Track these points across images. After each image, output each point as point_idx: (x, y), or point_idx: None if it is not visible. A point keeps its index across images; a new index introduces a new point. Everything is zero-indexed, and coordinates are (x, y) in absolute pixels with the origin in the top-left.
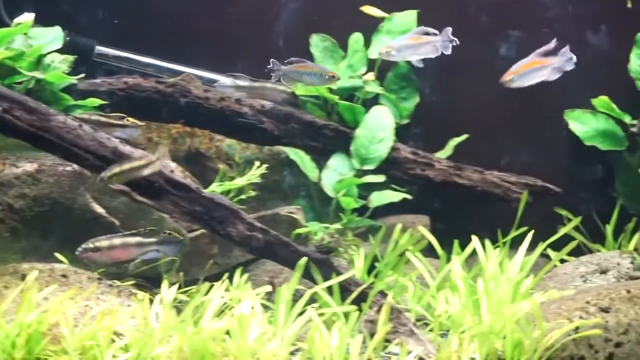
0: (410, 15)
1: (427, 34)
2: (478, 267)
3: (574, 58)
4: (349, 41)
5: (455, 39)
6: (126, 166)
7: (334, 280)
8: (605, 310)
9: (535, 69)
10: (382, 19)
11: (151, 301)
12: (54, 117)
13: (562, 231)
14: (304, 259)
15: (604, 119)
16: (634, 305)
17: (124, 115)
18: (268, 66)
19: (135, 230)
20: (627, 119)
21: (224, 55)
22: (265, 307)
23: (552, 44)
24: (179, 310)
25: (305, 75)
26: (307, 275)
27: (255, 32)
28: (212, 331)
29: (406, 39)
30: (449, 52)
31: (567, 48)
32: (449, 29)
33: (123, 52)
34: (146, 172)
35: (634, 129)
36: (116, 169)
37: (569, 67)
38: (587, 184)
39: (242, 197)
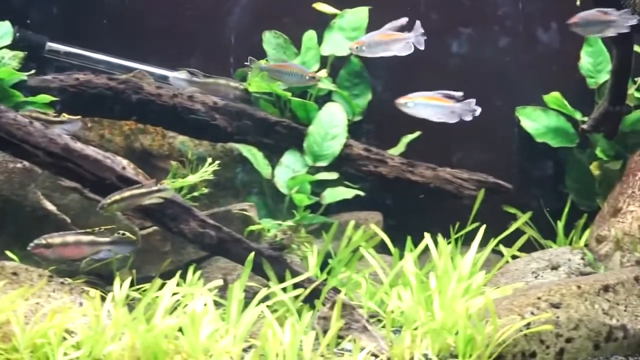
0: (362, 12)
1: (399, 26)
2: (431, 263)
3: (476, 112)
4: (302, 38)
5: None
6: (126, 194)
7: (291, 282)
8: (556, 306)
9: (434, 105)
10: (333, 16)
11: (103, 299)
12: (4, 114)
13: (512, 227)
14: (252, 254)
15: (555, 116)
16: (585, 301)
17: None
18: (246, 63)
19: (89, 228)
20: (578, 116)
21: (176, 51)
22: (219, 305)
23: (458, 94)
24: (131, 308)
25: (285, 75)
26: (260, 272)
27: (208, 28)
28: (165, 328)
29: (378, 35)
30: (422, 47)
31: (472, 101)
32: (418, 23)
33: (74, 49)
34: (146, 201)
35: (585, 126)
36: (116, 196)
37: (468, 116)
38: (539, 180)
39: (195, 194)
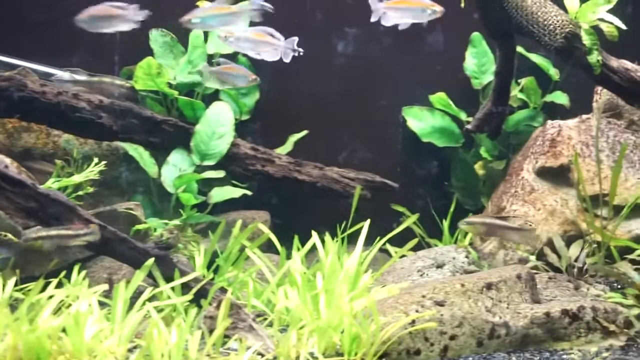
0: None
1: (272, 35)
2: (319, 263)
3: (298, 51)
4: (189, 37)
5: (300, 50)
6: (53, 232)
7: (179, 281)
8: (440, 303)
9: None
10: None
11: None
12: None
13: (400, 227)
14: (150, 260)
15: (440, 116)
16: (468, 299)
17: None
18: (198, 69)
19: None
20: (463, 116)
21: (60, 48)
22: (105, 305)
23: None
24: (14, 309)
25: (232, 77)
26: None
27: None
28: (48, 329)
29: (250, 32)
30: (288, 60)
31: (295, 39)
32: (295, 40)
33: None
34: (72, 243)
35: (469, 126)
36: (43, 233)
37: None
38: (425, 179)
39: (80, 193)
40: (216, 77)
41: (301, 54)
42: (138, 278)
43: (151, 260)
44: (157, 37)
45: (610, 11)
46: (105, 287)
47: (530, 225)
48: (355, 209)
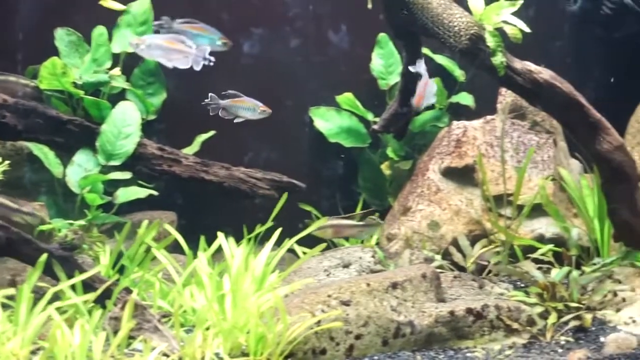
0: (145, 4)
1: (183, 43)
2: (225, 263)
3: (210, 61)
4: (92, 35)
5: (212, 59)
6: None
7: (78, 278)
8: (346, 303)
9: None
10: (121, 12)
11: None
12: None
13: (308, 229)
14: (44, 256)
15: (347, 117)
16: (374, 298)
17: None
18: (206, 100)
19: None
20: (370, 117)
21: None
22: (8, 307)
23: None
24: None
25: (241, 109)
26: (51, 273)
27: None
28: None
29: (161, 39)
30: (198, 68)
31: (207, 48)
32: (208, 49)
33: None
34: (13, 217)
35: (376, 127)
36: None
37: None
38: (332, 180)
39: None
40: (226, 110)
41: (212, 63)
42: (33, 277)
43: (44, 257)
44: (62, 36)
45: (514, 14)
46: (11, 291)
47: (373, 219)
48: (266, 209)
